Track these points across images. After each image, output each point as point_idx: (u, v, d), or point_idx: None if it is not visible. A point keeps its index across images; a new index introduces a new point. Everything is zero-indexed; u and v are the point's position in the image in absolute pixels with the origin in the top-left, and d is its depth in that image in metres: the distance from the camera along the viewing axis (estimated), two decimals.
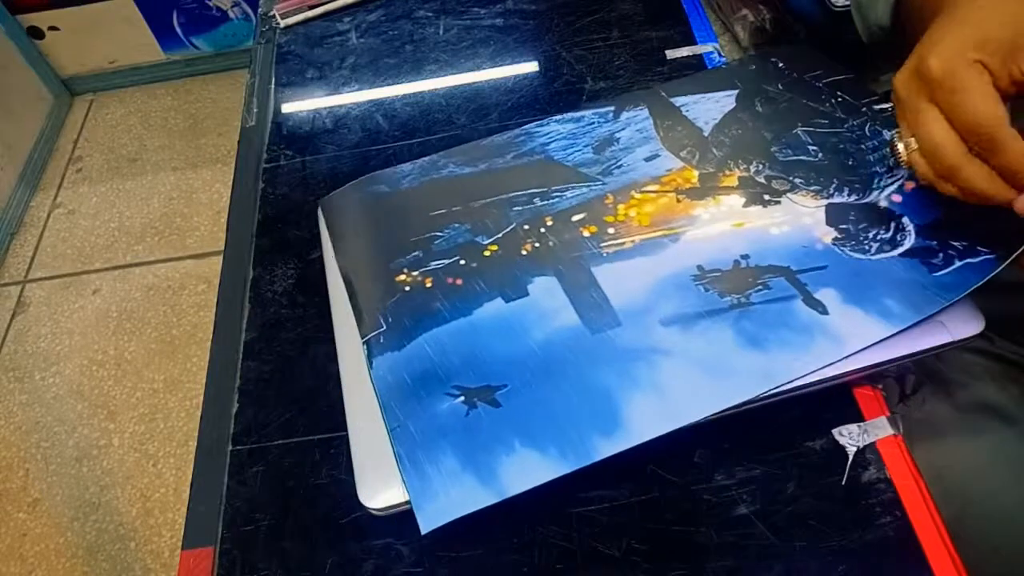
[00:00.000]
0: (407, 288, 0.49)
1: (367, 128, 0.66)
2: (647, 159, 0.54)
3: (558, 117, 0.59)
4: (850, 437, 0.43)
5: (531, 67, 0.69)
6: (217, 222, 1.71)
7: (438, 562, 0.42)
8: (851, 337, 0.42)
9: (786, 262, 0.46)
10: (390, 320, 0.48)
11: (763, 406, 0.42)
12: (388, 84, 0.70)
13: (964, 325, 0.43)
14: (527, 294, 0.47)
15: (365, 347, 0.47)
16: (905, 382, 0.52)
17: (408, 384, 0.45)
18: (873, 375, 0.45)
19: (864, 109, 0.54)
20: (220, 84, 2.02)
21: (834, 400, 0.45)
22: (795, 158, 0.52)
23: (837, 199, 0.49)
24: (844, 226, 0.47)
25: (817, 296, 0.44)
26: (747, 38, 0.68)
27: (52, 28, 1.90)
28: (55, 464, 1.37)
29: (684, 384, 0.42)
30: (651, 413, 0.41)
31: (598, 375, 0.43)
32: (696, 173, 0.52)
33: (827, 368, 0.42)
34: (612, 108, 0.58)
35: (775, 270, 0.46)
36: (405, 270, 0.50)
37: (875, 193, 0.49)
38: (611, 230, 0.50)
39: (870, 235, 0.46)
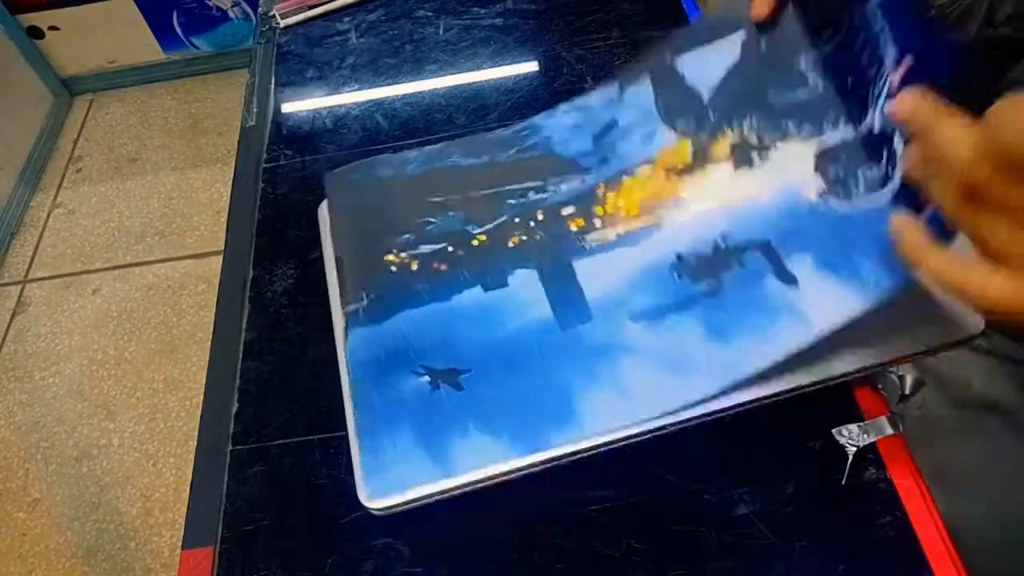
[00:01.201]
0: (393, 268, 0.50)
1: (367, 128, 0.66)
2: (644, 140, 0.54)
3: (566, 106, 0.58)
4: (850, 437, 0.43)
5: (531, 67, 0.69)
6: (217, 222, 1.71)
7: (438, 562, 0.42)
8: (819, 314, 0.42)
9: (766, 234, 0.46)
10: (372, 296, 0.49)
11: (763, 406, 0.42)
12: (388, 84, 0.70)
13: (964, 324, 0.43)
14: (506, 285, 0.48)
15: (344, 318, 0.49)
16: (905, 382, 0.52)
17: (380, 359, 0.46)
18: (873, 375, 0.45)
19: None
20: (220, 84, 2.02)
21: (834, 400, 0.45)
22: (792, 100, 0.49)
23: (830, 138, 0.46)
24: (832, 174, 0.46)
25: (791, 265, 0.44)
26: None
27: (52, 28, 1.89)
28: (55, 464, 1.37)
29: (644, 382, 0.42)
30: (607, 410, 0.42)
31: (561, 370, 0.44)
32: (689, 147, 0.52)
33: (822, 371, 0.42)
34: (616, 87, 0.56)
35: (753, 244, 0.46)
36: (394, 251, 0.51)
37: (871, 113, 0.45)
38: (597, 222, 0.50)
39: (859, 176, 0.45)
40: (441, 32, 0.74)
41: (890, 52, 0.45)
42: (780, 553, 0.40)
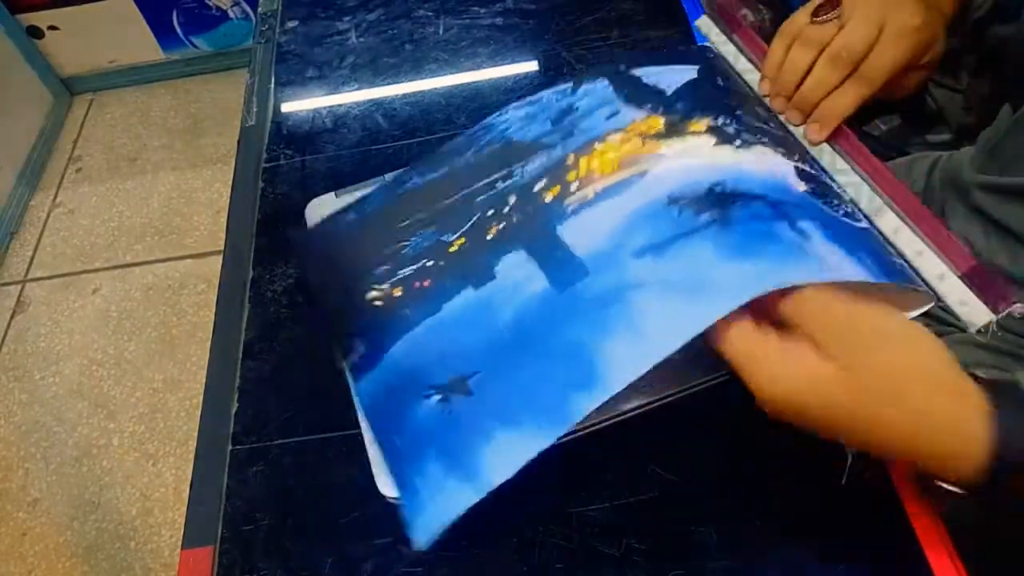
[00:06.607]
0: (378, 303, 0.48)
1: (367, 127, 0.66)
2: (608, 116, 0.50)
3: (516, 104, 0.55)
4: None
5: (531, 66, 0.69)
6: (217, 222, 1.71)
7: (438, 562, 0.42)
8: (832, 264, 0.38)
9: (764, 191, 0.42)
10: (365, 340, 0.47)
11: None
12: (388, 83, 0.70)
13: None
14: (494, 276, 0.45)
15: (349, 375, 0.47)
16: None
17: (386, 399, 0.44)
18: None
19: None
20: (220, 84, 2.01)
21: None
22: (759, 124, 0.48)
23: (800, 165, 0.46)
24: (813, 185, 0.44)
25: (800, 225, 0.40)
26: None
27: (52, 28, 1.89)
28: (55, 464, 1.37)
29: (659, 313, 0.38)
30: (627, 354, 0.37)
31: (569, 332, 0.40)
32: (662, 120, 0.48)
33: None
34: (570, 84, 0.54)
35: (752, 195, 0.42)
36: (375, 286, 0.49)
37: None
38: (573, 186, 0.47)
39: (834, 201, 0.44)
40: (441, 32, 0.74)
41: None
42: (780, 553, 0.40)
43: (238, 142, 0.68)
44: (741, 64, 0.54)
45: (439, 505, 0.39)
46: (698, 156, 0.45)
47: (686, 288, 0.38)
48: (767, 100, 0.50)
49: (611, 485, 0.43)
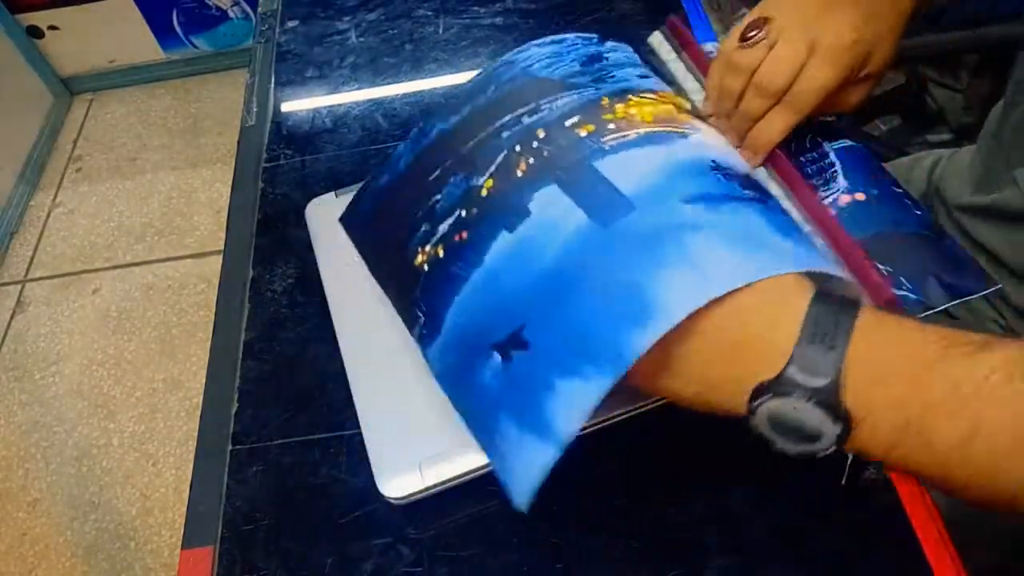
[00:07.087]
0: (426, 268, 0.45)
1: (367, 127, 0.66)
2: (640, 77, 0.49)
3: (538, 41, 0.52)
4: None
5: None
6: (217, 222, 1.71)
7: (438, 562, 0.42)
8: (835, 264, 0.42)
9: (781, 197, 0.46)
10: (423, 307, 0.45)
11: None
12: (388, 83, 0.70)
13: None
14: (529, 214, 0.42)
15: (418, 346, 0.45)
16: None
17: (454, 364, 0.42)
18: None
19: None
20: (220, 83, 2.02)
21: None
22: None
23: None
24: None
25: (805, 228, 0.45)
26: None
27: (52, 27, 1.90)
28: (55, 464, 1.37)
29: (721, 254, 0.36)
30: (686, 286, 0.35)
31: (618, 267, 0.37)
32: (689, 104, 0.49)
33: None
34: (596, 36, 0.53)
35: (773, 196, 0.44)
36: (419, 249, 0.46)
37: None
38: (611, 126, 0.44)
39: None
40: (441, 31, 0.74)
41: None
42: (780, 553, 0.40)
43: (238, 142, 0.68)
44: (689, 83, 0.54)
45: (525, 465, 0.37)
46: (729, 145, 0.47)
47: (745, 238, 0.37)
48: (711, 120, 0.49)
49: (611, 485, 0.43)
